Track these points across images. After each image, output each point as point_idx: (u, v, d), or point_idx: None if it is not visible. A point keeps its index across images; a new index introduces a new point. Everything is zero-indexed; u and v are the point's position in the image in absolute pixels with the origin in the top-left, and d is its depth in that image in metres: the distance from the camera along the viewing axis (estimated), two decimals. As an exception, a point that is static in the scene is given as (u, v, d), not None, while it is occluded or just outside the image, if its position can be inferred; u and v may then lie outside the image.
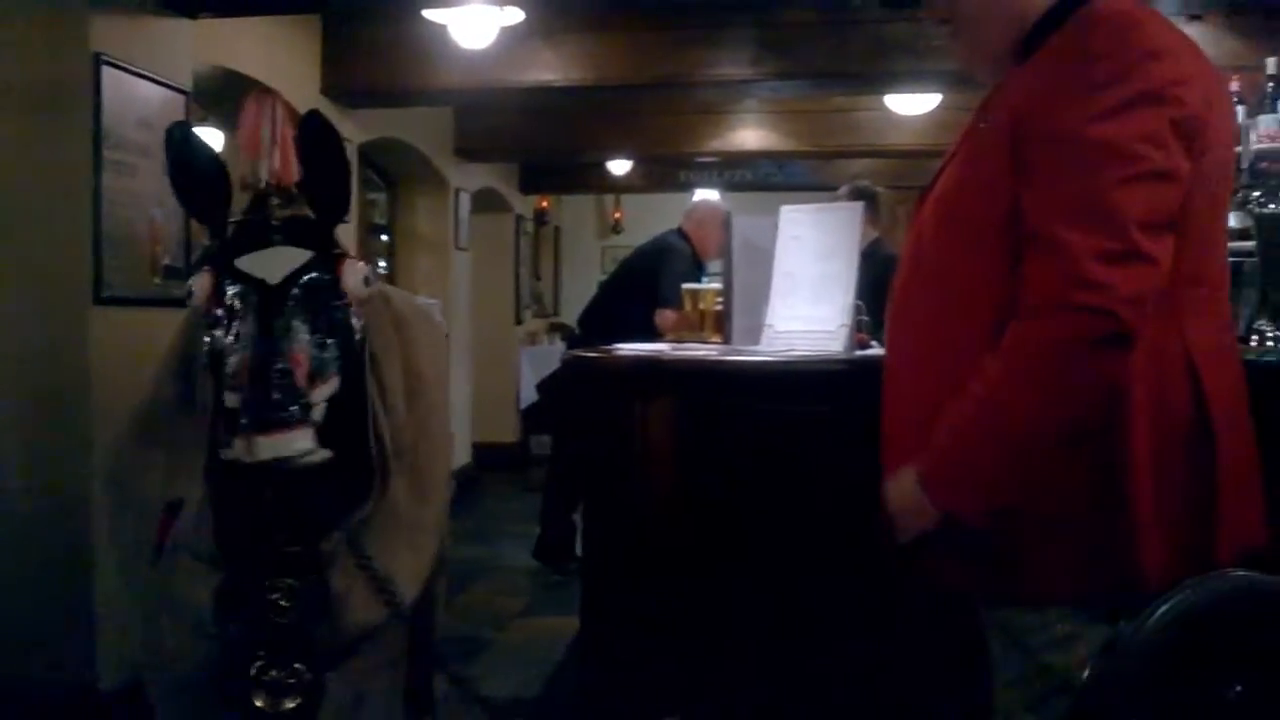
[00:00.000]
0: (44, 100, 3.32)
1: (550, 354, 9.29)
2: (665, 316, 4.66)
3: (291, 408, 1.55)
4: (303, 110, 4.88)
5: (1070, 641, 1.54)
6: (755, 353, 2.40)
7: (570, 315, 10.47)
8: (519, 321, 9.45)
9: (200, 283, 1.70)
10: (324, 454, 1.59)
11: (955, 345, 1.57)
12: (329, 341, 1.66)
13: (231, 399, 1.57)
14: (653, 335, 4.35)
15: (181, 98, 3.70)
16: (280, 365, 1.57)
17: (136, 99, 3.46)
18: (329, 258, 1.72)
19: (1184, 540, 1.48)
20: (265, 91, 1.81)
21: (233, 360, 1.60)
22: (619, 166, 8.79)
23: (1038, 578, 1.51)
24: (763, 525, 2.23)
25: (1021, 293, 1.44)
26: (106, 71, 3.31)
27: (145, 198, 3.47)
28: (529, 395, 9.08)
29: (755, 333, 2.55)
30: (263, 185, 1.77)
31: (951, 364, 1.55)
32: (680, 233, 5.34)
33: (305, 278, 1.67)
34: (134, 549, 1.96)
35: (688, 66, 5.12)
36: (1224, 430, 1.50)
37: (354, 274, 1.72)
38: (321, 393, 1.62)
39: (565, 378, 5.39)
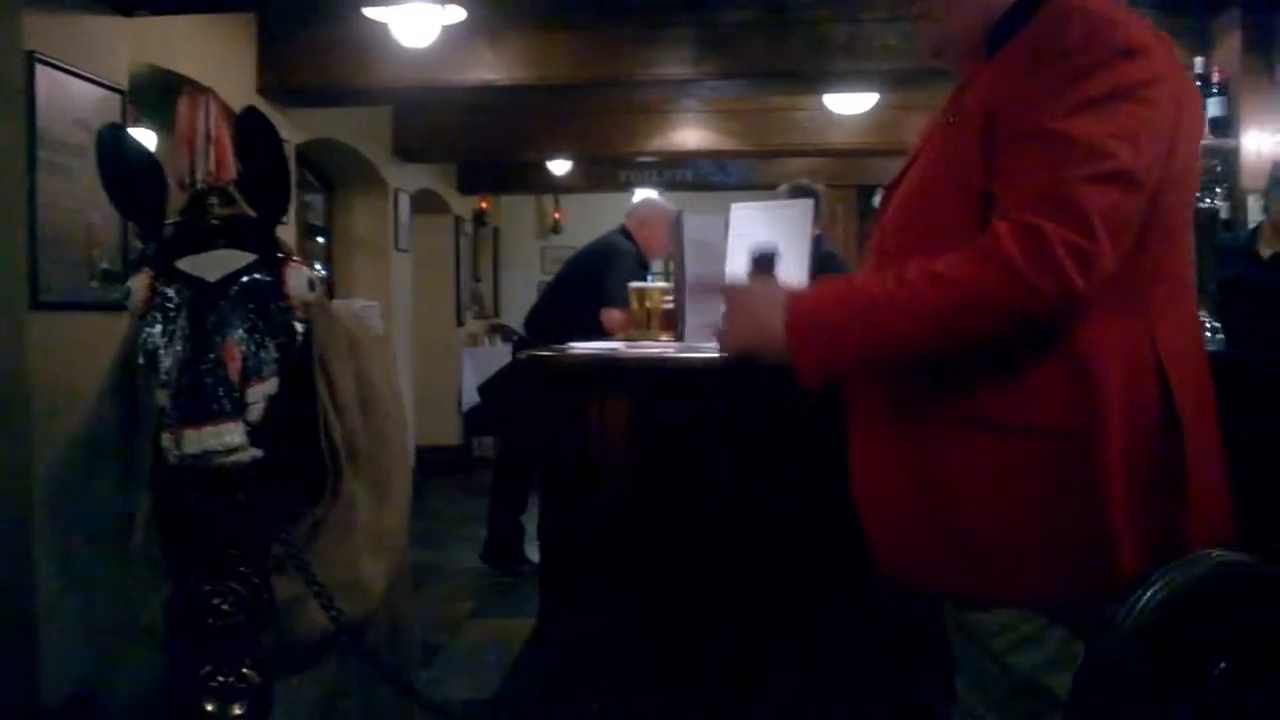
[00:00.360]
0: (-27, 98, 3.23)
1: (492, 355, 9.24)
2: (612, 316, 4.66)
3: (222, 401, 1.53)
4: (238, 107, 4.81)
5: (1034, 642, 1.55)
6: (710, 349, 2.40)
7: (510, 316, 10.43)
8: (460, 323, 9.39)
9: (138, 283, 1.67)
10: (254, 452, 1.57)
11: None
12: (269, 342, 1.64)
13: (162, 395, 1.56)
14: (600, 335, 4.35)
15: (117, 97, 3.63)
16: (211, 356, 1.55)
17: (71, 98, 3.39)
18: (272, 260, 1.70)
19: (1156, 540, 1.48)
20: (199, 89, 1.78)
21: (165, 358, 1.58)
22: (559, 166, 8.77)
23: (1009, 579, 1.50)
24: (722, 521, 2.24)
25: (982, 241, 1.42)
26: (40, 70, 3.23)
27: (81, 199, 3.40)
28: (471, 397, 9.02)
29: (708, 330, 2.56)
30: (199, 184, 1.74)
31: None
32: (624, 232, 5.34)
33: (245, 278, 1.66)
34: (86, 569, 1.92)
35: (629, 66, 5.13)
36: (1191, 428, 1.51)
37: (298, 277, 1.70)
38: (257, 391, 1.60)
39: (517, 377, 5.39)
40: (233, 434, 1.53)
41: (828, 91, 6.11)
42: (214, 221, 1.72)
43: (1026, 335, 1.44)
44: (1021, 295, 1.38)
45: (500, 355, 9.27)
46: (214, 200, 1.75)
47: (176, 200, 1.82)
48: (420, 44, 4.78)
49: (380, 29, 4.80)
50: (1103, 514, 1.46)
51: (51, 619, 3.19)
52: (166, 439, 1.53)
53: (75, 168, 3.36)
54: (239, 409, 1.55)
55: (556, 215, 11.48)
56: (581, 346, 2.73)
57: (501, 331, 10.20)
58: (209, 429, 1.52)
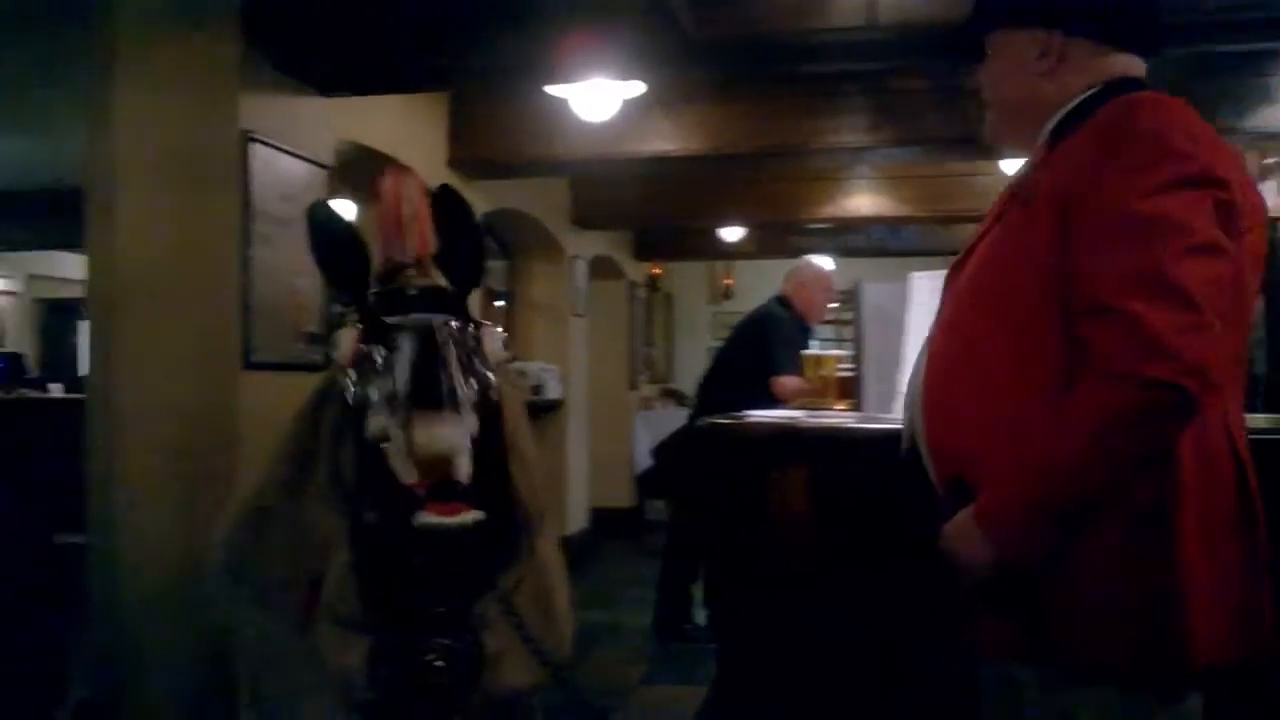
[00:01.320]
0: (195, 174, 3.49)
1: (664, 419, 9.32)
2: (783, 384, 4.65)
3: (470, 492, 1.64)
4: (431, 182, 5.06)
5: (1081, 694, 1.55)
6: (892, 420, 2.38)
7: (682, 381, 10.52)
8: (633, 387, 9.52)
9: (347, 335, 1.76)
10: (478, 515, 1.63)
11: (995, 422, 1.60)
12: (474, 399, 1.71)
13: (401, 465, 1.62)
14: (771, 403, 4.35)
15: (323, 172, 3.87)
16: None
17: (281, 174, 3.62)
18: (469, 322, 1.78)
19: (1234, 619, 1.52)
20: (401, 168, 1.89)
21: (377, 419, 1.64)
22: (731, 233, 8.85)
23: (1085, 649, 1.53)
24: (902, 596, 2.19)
25: (1089, 360, 1.46)
26: (253, 148, 3.48)
27: (288, 268, 3.62)
28: (644, 460, 9.11)
29: (888, 398, 2.54)
30: (408, 260, 1.85)
31: (987, 443, 1.60)
32: (781, 300, 5.34)
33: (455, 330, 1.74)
34: (259, 632, 2.01)
35: (802, 135, 5.17)
36: (1262, 509, 1.56)
37: (493, 338, 1.79)
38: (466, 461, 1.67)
39: (692, 444, 5.40)
40: (473, 515, 1.62)
41: (1003, 158, 6.00)
42: (411, 291, 1.80)
43: (1185, 420, 1.46)
44: (1150, 393, 1.41)
45: (672, 419, 9.34)
46: (411, 271, 1.83)
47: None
48: (599, 118, 4.93)
49: (562, 103, 4.98)
50: (1180, 591, 1.49)
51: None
52: (424, 517, 1.60)
53: (282, 238, 3.59)
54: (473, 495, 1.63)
55: (728, 281, 11.56)
56: (760, 414, 2.74)
57: (674, 396, 10.28)
58: (462, 515, 1.62)
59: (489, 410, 1.76)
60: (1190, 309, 1.41)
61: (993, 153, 5.73)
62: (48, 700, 3.76)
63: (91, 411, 3.86)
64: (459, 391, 1.62)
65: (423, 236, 1.86)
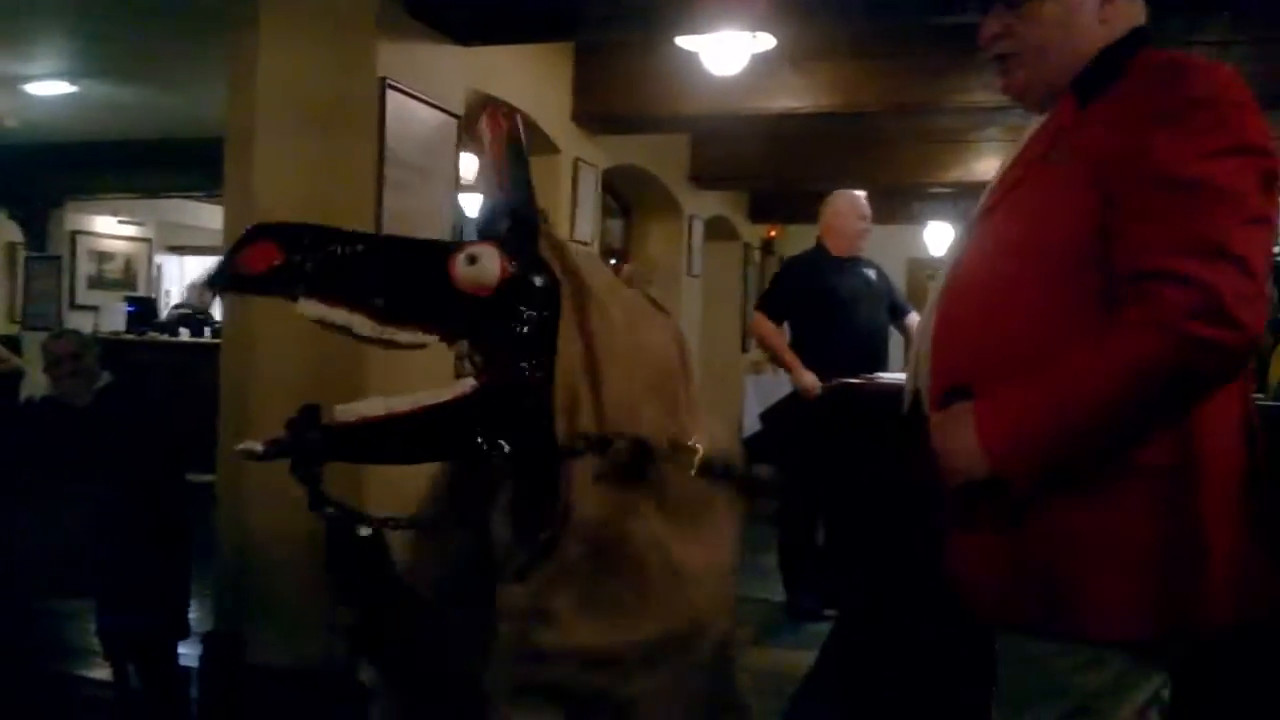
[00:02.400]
0: (333, 121, 3.53)
1: (774, 384, 9.23)
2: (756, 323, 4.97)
3: None
4: (555, 136, 5.05)
5: (1095, 665, 1.55)
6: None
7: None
8: (744, 350, 9.45)
9: (489, 259, 1.67)
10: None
11: (1012, 358, 1.57)
12: (419, 303, 1.74)
13: None
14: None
15: (454, 121, 3.88)
16: None
17: (414, 122, 3.64)
18: (454, 242, 1.77)
19: (1248, 584, 1.53)
20: (496, 105, 1.84)
21: None
22: (851, 196, 8.68)
23: (1100, 614, 1.51)
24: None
25: (1136, 312, 1.44)
26: (390, 95, 3.50)
27: (421, 215, 3.64)
28: (753, 424, 9.04)
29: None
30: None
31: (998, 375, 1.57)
32: (818, 239, 5.23)
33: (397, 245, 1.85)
34: None
35: (939, 93, 5.03)
36: (1268, 476, 1.57)
37: (460, 256, 1.72)
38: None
39: (825, 407, 5.28)
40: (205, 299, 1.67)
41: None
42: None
43: (1214, 390, 1.48)
44: (1203, 355, 1.41)
45: (782, 384, 9.26)
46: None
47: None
48: (728, 72, 4.86)
49: (688, 58, 4.92)
50: (1200, 556, 1.49)
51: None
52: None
53: (416, 186, 3.62)
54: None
55: (844, 245, 11.36)
56: (890, 377, 2.68)
57: (784, 360, 10.18)
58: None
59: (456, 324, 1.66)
60: (1251, 278, 1.41)
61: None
62: (176, 632, 3.91)
63: (226, 355, 3.96)
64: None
65: (484, 178, 1.80)
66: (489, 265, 1.63)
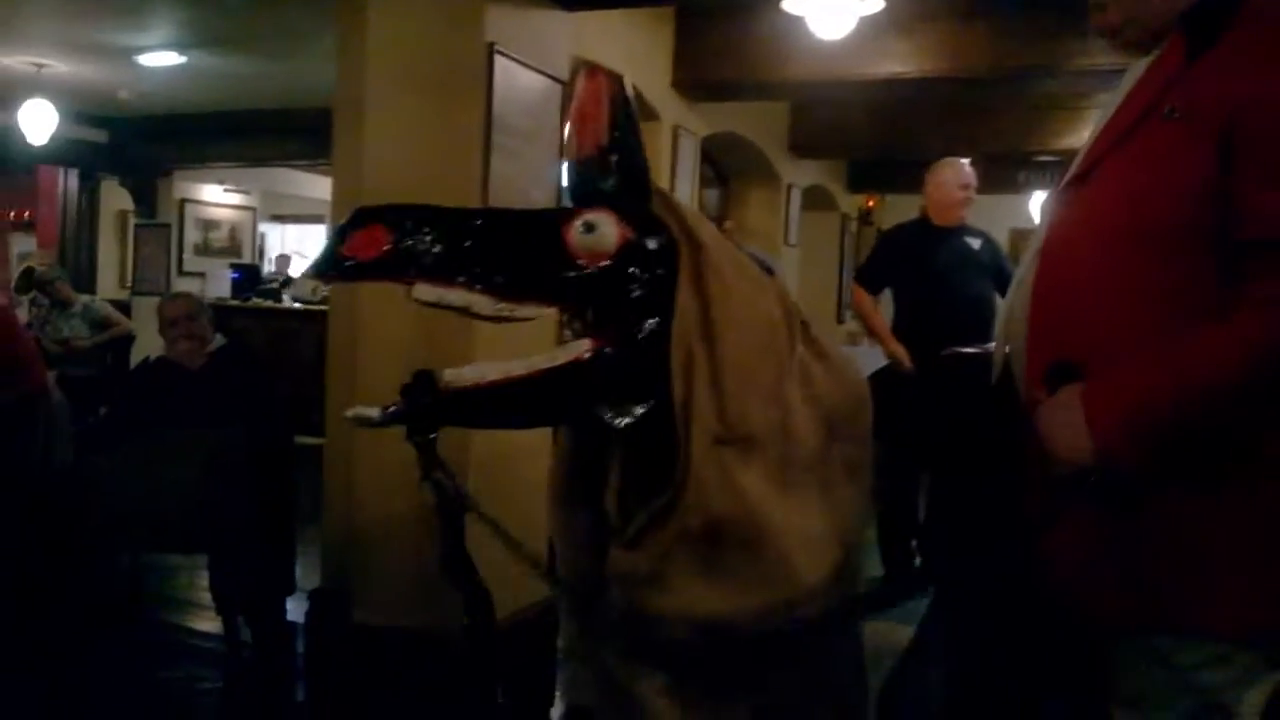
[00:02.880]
0: (440, 87, 3.54)
1: (870, 355, 9.11)
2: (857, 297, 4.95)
3: None
4: (656, 103, 4.99)
5: (1223, 661, 1.48)
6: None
7: (889, 316, 10.24)
8: (840, 320, 9.34)
9: (607, 226, 1.63)
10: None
11: (1120, 334, 1.48)
12: (538, 276, 1.66)
13: None
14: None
15: (559, 87, 3.87)
16: None
17: (521, 87, 3.64)
18: (566, 210, 1.69)
19: None
20: (592, 69, 1.71)
21: None
22: (953, 165, 8.50)
23: (1231, 610, 1.44)
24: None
25: (1260, 290, 1.35)
26: (498, 60, 3.49)
27: (526, 181, 3.65)
28: (847, 396, 8.94)
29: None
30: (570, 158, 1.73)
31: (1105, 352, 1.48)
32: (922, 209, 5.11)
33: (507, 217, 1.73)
34: None
35: (1052, 56, 4.87)
36: None
37: (575, 224, 1.66)
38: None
39: (941, 378, 5.17)
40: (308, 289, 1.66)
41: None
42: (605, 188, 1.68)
43: None
44: None
45: (878, 355, 9.14)
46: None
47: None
48: (834, 36, 4.77)
49: (791, 23, 4.84)
50: None
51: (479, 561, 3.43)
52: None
53: (522, 151, 3.62)
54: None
55: (943, 216, 11.14)
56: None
57: (880, 332, 10.04)
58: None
59: (576, 295, 1.60)
60: None
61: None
62: (282, 588, 4.00)
63: (333, 320, 4.02)
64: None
65: (580, 139, 1.67)
66: (607, 232, 1.59)
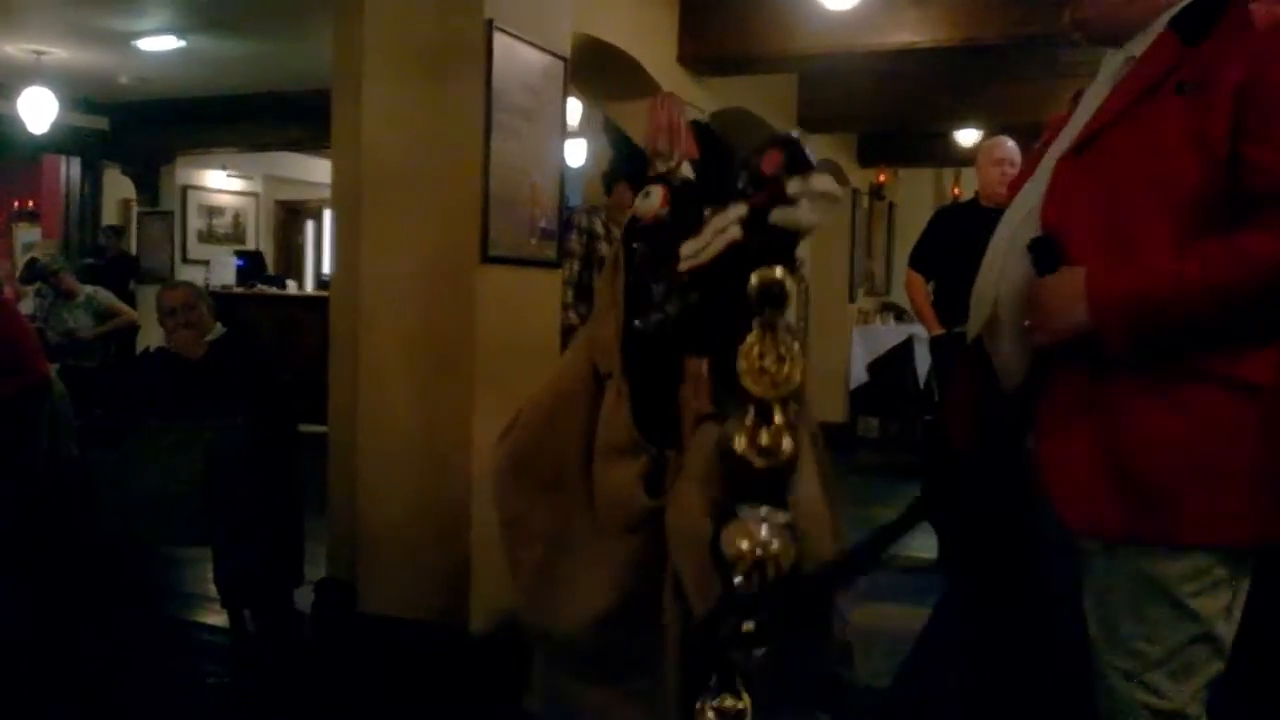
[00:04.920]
0: (439, 65, 3.45)
1: (882, 334, 9.04)
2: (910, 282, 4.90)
3: None
4: (660, 77, 4.92)
5: (1223, 586, 1.63)
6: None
7: (902, 295, 10.14)
8: (851, 299, 9.24)
9: (659, 191, 1.94)
10: None
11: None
12: None
13: None
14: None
15: (561, 64, 3.77)
16: None
17: (521, 64, 3.54)
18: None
19: None
20: (666, 93, 2.13)
21: None
22: (966, 137, 8.37)
23: (1195, 520, 1.59)
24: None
25: (1263, 227, 1.53)
26: (497, 36, 3.39)
27: (527, 161, 3.56)
28: (859, 376, 8.87)
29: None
30: (675, 164, 2.02)
31: None
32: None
33: None
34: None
35: (1057, 24, 4.73)
36: None
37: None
38: None
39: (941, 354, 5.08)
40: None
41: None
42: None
43: None
44: None
45: (891, 334, 9.06)
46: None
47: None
48: (841, 7, 4.67)
49: (801, -6, 4.73)
50: None
51: (483, 554, 3.38)
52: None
53: (523, 130, 3.53)
54: None
55: (956, 191, 11.01)
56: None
57: (892, 310, 9.94)
58: None
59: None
60: None
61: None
62: (289, 579, 3.95)
63: (334, 309, 3.95)
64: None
65: (688, 145, 2.04)
66: None
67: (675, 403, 1.89)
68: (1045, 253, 1.67)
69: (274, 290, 9.76)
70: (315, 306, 7.80)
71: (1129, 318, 1.58)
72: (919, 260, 4.96)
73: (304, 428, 4.08)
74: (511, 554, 2.11)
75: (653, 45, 5.08)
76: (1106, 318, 1.58)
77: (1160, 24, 1.71)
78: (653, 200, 1.94)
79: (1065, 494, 1.66)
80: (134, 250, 10.39)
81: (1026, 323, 1.68)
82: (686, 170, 2.02)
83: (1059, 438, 1.67)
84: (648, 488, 1.89)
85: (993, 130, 8.10)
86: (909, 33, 4.95)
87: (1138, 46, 1.73)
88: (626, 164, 2.12)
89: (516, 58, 3.51)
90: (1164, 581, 1.63)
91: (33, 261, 8.15)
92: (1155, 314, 1.58)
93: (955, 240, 4.64)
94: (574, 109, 4.94)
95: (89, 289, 7.12)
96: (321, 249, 13.35)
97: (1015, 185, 1.93)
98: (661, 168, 2.06)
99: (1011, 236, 1.78)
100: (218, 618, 3.94)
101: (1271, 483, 1.60)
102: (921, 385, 8.16)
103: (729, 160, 1.89)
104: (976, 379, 1.85)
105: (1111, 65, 1.78)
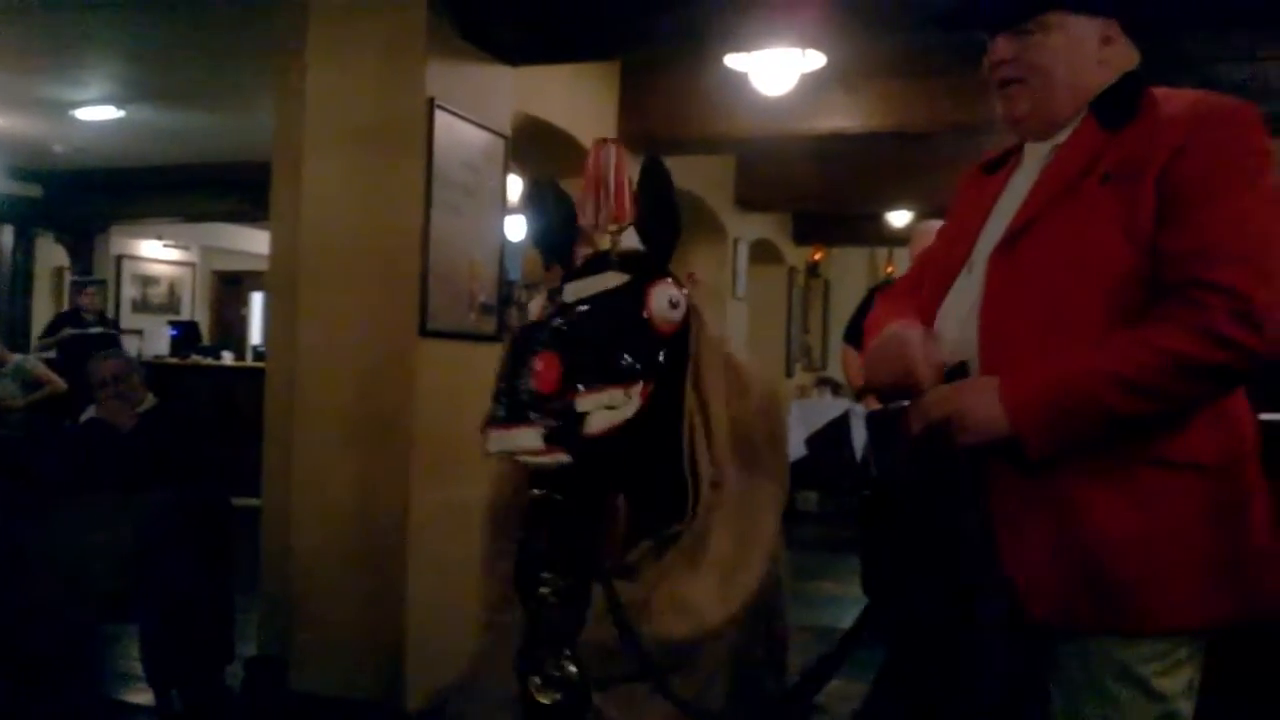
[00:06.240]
0: (381, 142, 3.50)
1: (819, 408, 9.13)
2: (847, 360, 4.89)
3: (524, 410, 1.57)
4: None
5: (1183, 666, 1.65)
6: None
7: (837, 370, 10.29)
8: (789, 375, 9.35)
9: (535, 304, 1.81)
10: (559, 457, 1.58)
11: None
12: (622, 356, 1.66)
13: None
14: None
15: (502, 142, 3.83)
16: (525, 369, 1.59)
17: (463, 142, 3.60)
18: (642, 281, 1.76)
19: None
20: (606, 140, 1.91)
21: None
22: (898, 218, 8.59)
23: (1165, 608, 1.60)
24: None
25: (1172, 316, 1.55)
26: (439, 115, 3.45)
27: (467, 237, 3.60)
28: (797, 449, 8.93)
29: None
30: (600, 225, 1.88)
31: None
32: None
33: (605, 297, 1.73)
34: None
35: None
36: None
37: (659, 296, 1.75)
38: (590, 400, 1.61)
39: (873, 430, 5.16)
40: (526, 438, 1.57)
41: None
42: (612, 255, 1.83)
43: (1231, 389, 1.62)
44: (1235, 356, 1.52)
45: (828, 408, 9.16)
46: (606, 236, 1.87)
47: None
48: (777, 92, 4.80)
49: (735, 78, 4.86)
50: (1252, 538, 1.62)
51: (419, 630, 3.35)
52: (481, 438, 1.61)
53: (463, 207, 3.57)
54: (538, 415, 1.58)
55: (889, 269, 11.24)
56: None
57: (829, 385, 10.07)
58: (504, 433, 1.58)
59: (655, 376, 1.72)
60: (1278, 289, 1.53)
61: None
62: (220, 657, 3.86)
63: (270, 376, 3.93)
64: (529, 410, 1.59)
65: (619, 203, 1.89)
66: (681, 303, 1.77)
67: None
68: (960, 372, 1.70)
69: (209, 361, 9.65)
70: (252, 377, 7.72)
71: (1046, 421, 1.58)
72: (854, 336, 5.06)
73: (237, 501, 4.03)
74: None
75: (592, 124, 5.17)
76: (1023, 424, 1.58)
77: (1080, 115, 1.74)
78: (531, 312, 1.84)
79: (1031, 589, 1.65)
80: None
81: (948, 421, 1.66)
82: (629, 238, 1.89)
83: (1014, 531, 1.66)
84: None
85: (925, 212, 8.35)
86: (841, 118, 5.10)
87: (1064, 136, 1.75)
88: (544, 239, 1.97)
89: (458, 136, 3.57)
90: (1130, 664, 1.63)
91: (-40, 330, 7.98)
92: (1071, 412, 1.58)
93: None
94: (515, 185, 5.00)
95: (18, 357, 6.98)
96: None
97: (933, 259, 1.97)
98: (585, 248, 1.92)
99: (954, 342, 1.76)
100: (143, 696, 3.84)
101: (1231, 564, 1.61)
102: (858, 459, 8.25)
103: (674, 208, 1.88)
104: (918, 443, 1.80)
105: (1037, 154, 1.79)
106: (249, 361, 10.68)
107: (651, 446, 1.77)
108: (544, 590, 1.72)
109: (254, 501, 3.96)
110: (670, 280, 1.79)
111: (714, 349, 1.94)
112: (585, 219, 1.93)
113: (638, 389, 1.66)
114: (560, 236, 1.90)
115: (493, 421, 1.59)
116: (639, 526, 1.86)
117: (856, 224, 9.19)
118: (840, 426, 8.66)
